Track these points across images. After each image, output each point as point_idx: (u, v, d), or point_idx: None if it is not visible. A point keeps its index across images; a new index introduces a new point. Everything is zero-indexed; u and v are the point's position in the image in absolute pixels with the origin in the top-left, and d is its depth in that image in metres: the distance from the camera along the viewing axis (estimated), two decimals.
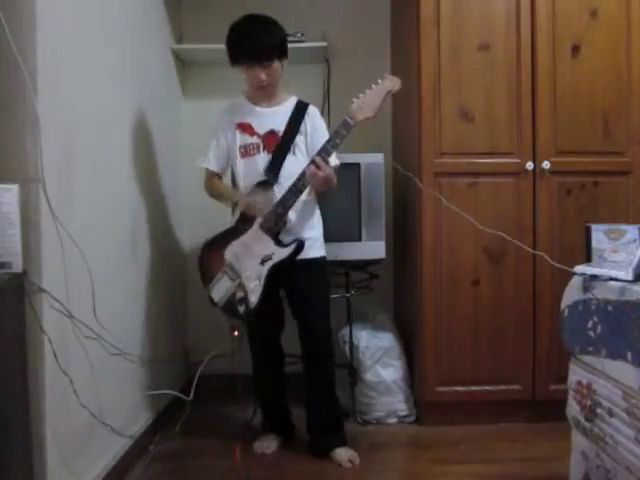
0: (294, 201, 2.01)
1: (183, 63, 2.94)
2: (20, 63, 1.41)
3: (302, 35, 2.69)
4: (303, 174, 2.00)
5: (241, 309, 2.00)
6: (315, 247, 2.13)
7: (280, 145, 2.10)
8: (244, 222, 2.07)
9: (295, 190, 2.00)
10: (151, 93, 2.43)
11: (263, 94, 2.13)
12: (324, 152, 1.98)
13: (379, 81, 1.98)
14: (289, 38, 2.59)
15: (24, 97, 1.44)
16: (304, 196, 2.05)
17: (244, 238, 2.05)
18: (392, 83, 1.98)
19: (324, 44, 2.72)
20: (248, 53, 2.03)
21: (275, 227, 2.03)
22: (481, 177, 2.34)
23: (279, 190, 2.04)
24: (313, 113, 2.17)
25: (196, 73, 2.96)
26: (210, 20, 2.88)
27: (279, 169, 2.08)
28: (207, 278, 2.10)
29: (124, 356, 1.99)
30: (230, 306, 2.04)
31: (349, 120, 1.97)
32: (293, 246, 2.04)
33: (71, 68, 1.66)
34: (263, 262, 2.02)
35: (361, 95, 1.97)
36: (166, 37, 2.73)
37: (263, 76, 2.05)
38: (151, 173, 2.42)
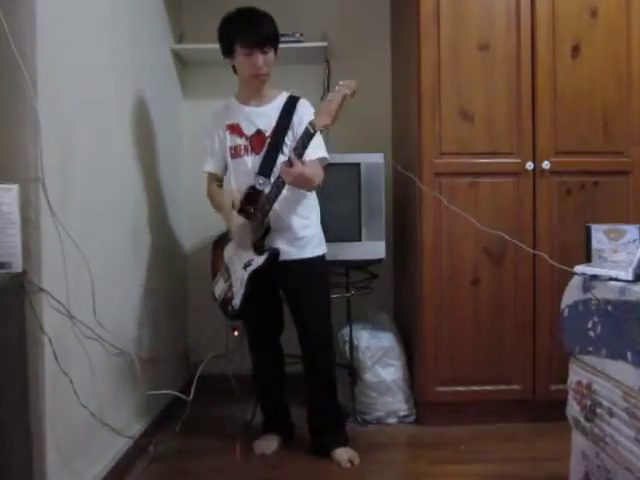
0: (276, 195, 1.95)
1: (183, 63, 2.94)
2: (20, 63, 1.41)
3: (302, 35, 2.69)
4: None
5: (229, 309, 2.07)
6: (309, 247, 2.08)
7: (270, 146, 2.04)
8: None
9: (277, 184, 1.95)
10: (151, 93, 2.43)
11: (254, 89, 2.09)
12: (296, 151, 1.87)
13: (336, 87, 1.86)
14: (289, 38, 2.62)
15: (24, 97, 1.44)
16: (286, 191, 1.97)
17: (235, 241, 2.09)
18: (347, 86, 1.84)
19: (324, 44, 2.71)
20: (250, 36, 1.97)
21: (261, 226, 2.00)
22: (481, 177, 2.34)
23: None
24: (302, 106, 2.08)
25: (196, 73, 2.96)
26: (210, 20, 2.84)
27: (271, 171, 2.02)
28: (213, 275, 2.21)
29: (124, 356, 1.99)
30: (223, 305, 2.12)
31: (310, 128, 1.85)
32: (265, 256, 1.99)
33: (71, 68, 1.66)
34: (245, 267, 2.02)
35: (322, 101, 1.94)
36: (166, 37, 2.73)
37: (262, 61, 2.00)
38: (151, 173, 2.42)
